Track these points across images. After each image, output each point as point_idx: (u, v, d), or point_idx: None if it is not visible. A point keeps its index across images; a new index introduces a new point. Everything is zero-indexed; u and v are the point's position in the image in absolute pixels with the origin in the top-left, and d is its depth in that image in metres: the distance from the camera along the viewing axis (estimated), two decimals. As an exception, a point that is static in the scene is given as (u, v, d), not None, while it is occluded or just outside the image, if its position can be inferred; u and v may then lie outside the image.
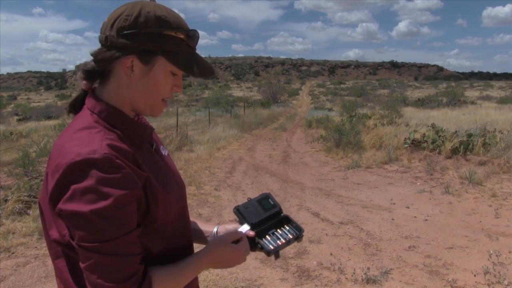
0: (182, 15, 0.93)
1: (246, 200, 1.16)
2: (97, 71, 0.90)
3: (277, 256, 1.08)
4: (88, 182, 0.76)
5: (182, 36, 0.89)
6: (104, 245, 0.78)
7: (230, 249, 1.00)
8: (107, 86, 0.90)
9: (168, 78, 0.91)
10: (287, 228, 1.15)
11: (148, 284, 0.84)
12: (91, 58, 0.90)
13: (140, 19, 0.85)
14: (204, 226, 1.17)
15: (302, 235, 1.15)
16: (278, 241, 1.09)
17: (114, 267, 0.79)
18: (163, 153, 1.04)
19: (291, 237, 1.12)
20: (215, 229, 1.14)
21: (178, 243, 0.97)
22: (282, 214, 1.17)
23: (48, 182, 0.83)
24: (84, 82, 0.92)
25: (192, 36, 0.91)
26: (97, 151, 0.79)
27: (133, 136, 0.91)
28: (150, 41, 0.86)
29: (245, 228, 1.10)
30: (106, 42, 0.87)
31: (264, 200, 1.16)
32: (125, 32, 0.85)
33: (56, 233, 0.85)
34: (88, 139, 0.82)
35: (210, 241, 1.03)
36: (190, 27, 0.91)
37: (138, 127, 0.93)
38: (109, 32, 0.86)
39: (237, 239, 1.03)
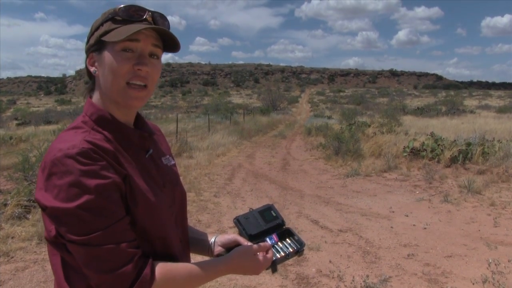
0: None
1: (248, 210, 1.13)
2: (91, 81, 0.97)
3: (274, 269, 1.05)
4: (69, 177, 0.79)
5: (116, 17, 0.91)
6: (94, 236, 0.79)
7: (253, 262, 0.99)
8: (94, 90, 0.97)
9: (121, 57, 0.88)
10: (288, 241, 1.11)
11: (150, 270, 0.83)
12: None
13: (96, 23, 0.94)
14: (203, 235, 1.16)
15: (303, 250, 1.11)
16: (277, 254, 1.06)
17: (109, 256, 0.79)
18: (166, 162, 1.04)
19: (291, 250, 1.09)
20: (212, 239, 1.13)
21: (170, 250, 0.95)
22: (284, 227, 1.13)
23: (38, 180, 0.86)
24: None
25: (124, 11, 0.91)
26: (75, 146, 0.82)
27: (119, 139, 0.93)
28: (95, 33, 0.92)
29: (273, 239, 1.08)
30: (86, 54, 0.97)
31: (266, 212, 1.13)
32: (89, 38, 0.94)
33: (45, 230, 0.88)
34: (71, 137, 0.86)
35: (233, 250, 1.01)
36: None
37: (125, 130, 0.95)
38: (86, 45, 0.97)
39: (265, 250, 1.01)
